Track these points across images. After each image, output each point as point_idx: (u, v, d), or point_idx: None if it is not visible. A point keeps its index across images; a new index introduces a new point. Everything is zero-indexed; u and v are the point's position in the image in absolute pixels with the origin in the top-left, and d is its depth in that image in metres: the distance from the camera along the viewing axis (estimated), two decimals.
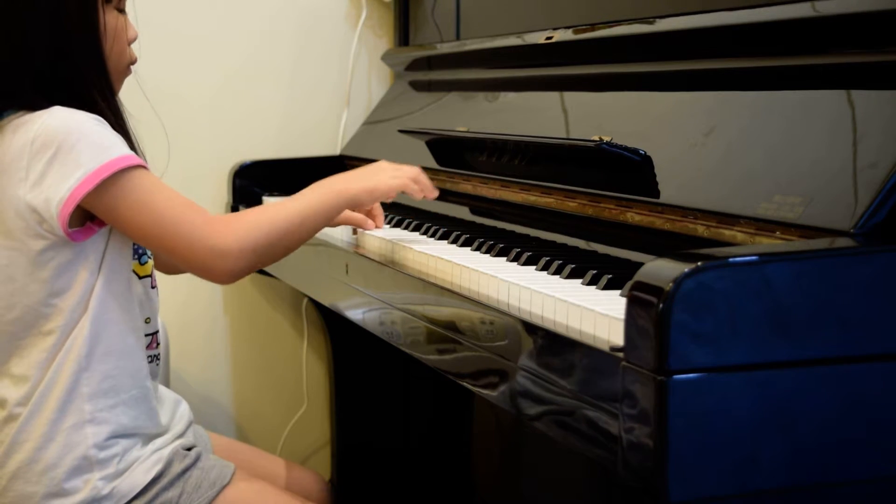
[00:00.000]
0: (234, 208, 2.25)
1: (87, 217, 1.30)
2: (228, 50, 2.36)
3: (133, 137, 1.39)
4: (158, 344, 1.43)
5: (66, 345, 1.31)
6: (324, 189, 1.42)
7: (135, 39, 1.42)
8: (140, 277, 1.38)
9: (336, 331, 2.35)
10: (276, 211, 1.38)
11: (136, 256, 1.38)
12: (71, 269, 1.31)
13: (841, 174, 1.10)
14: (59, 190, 1.26)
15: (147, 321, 1.40)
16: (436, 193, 1.52)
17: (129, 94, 1.45)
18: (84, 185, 1.25)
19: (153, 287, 1.42)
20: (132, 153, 1.30)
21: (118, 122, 1.36)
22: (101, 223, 1.32)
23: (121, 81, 1.42)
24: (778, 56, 1.31)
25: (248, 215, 1.36)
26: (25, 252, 1.30)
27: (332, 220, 1.43)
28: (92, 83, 1.34)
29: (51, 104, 1.30)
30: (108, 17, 1.36)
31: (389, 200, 1.49)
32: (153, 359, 1.41)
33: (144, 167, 1.31)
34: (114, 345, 1.33)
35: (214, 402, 2.44)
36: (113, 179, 1.27)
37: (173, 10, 2.31)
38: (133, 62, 1.43)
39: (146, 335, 1.39)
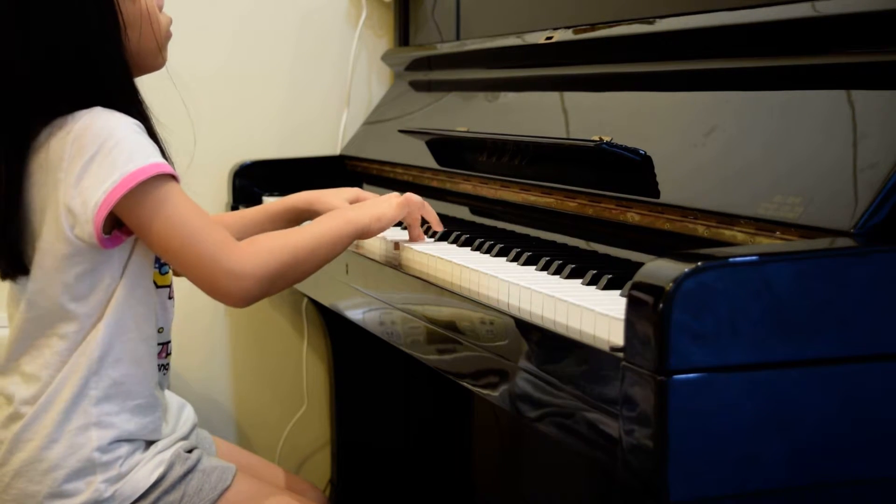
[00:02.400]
0: (234, 208, 2.25)
1: (115, 225, 1.30)
2: (228, 50, 2.36)
3: (163, 144, 1.39)
4: (169, 354, 1.43)
5: (79, 348, 1.32)
6: (334, 219, 1.43)
7: (162, 6, 1.41)
8: (158, 287, 1.38)
9: (336, 331, 2.35)
10: (290, 238, 1.37)
11: (156, 266, 1.38)
12: (94, 275, 1.31)
13: (841, 174, 1.10)
14: (95, 192, 1.25)
15: (160, 331, 1.40)
16: (440, 227, 1.56)
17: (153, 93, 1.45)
18: (120, 188, 1.25)
19: (170, 298, 1.42)
20: (167, 163, 1.30)
21: (149, 130, 1.36)
22: (129, 232, 1.32)
23: (164, 51, 1.41)
24: (778, 56, 1.31)
25: (266, 241, 1.36)
26: (53, 253, 1.30)
27: (342, 250, 1.43)
28: (119, 96, 1.34)
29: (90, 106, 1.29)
30: (131, 7, 1.34)
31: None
32: (161, 367, 1.41)
33: (177, 179, 1.30)
34: (126, 352, 1.33)
35: (214, 403, 2.44)
36: (146, 185, 1.26)
37: (173, 10, 2.31)
38: (169, 24, 1.42)
39: (158, 344, 1.40)
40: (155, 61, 1.40)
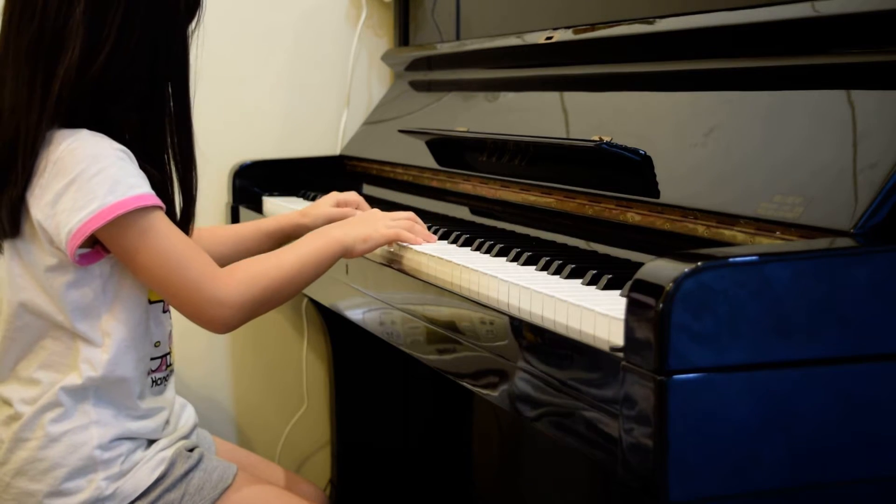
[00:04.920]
0: (234, 208, 2.25)
1: (96, 240, 1.30)
2: (228, 50, 2.35)
3: (194, 186, 1.42)
4: (169, 366, 1.43)
5: (72, 354, 1.32)
6: (320, 238, 1.42)
7: None
8: (151, 302, 1.38)
9: (336, 331, 2.35)
10: (275, 262, 1.37)
11: None
12: (79, 286, 1.31)
13: (841, 174, 1.10)
14: (70, 219, 1.26)
15: (157, 345, 1.40)
16: (434, 239, 1.52)
17: None
18: (96, 219, 1.25)
19: (165, 311, 1.42)
20: (151, 193, 1.29)
21: (186, 173, 1.40)
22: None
23: None
24: (778, 56, 1.31)
25: (250, 268, 1.36)
26: (36, 264, 1.31)
27: (327, 269, 1.42)
28: (171, 135, 1.39)
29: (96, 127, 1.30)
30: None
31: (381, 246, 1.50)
32: (161, 381, 1.41)
33: (161, 208, 1.30)
34: (118, 368, 1.33)
35: (214, 403, 2.44)
36: (126, 217, 1.26)
37: None
38: None
39: (153, 358, 1.39)
40: None
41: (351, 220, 1.50)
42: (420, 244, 1.49)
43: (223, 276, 1.32)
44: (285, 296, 1.39)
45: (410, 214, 1.53)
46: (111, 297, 1.33)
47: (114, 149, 1.29)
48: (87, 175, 1.26)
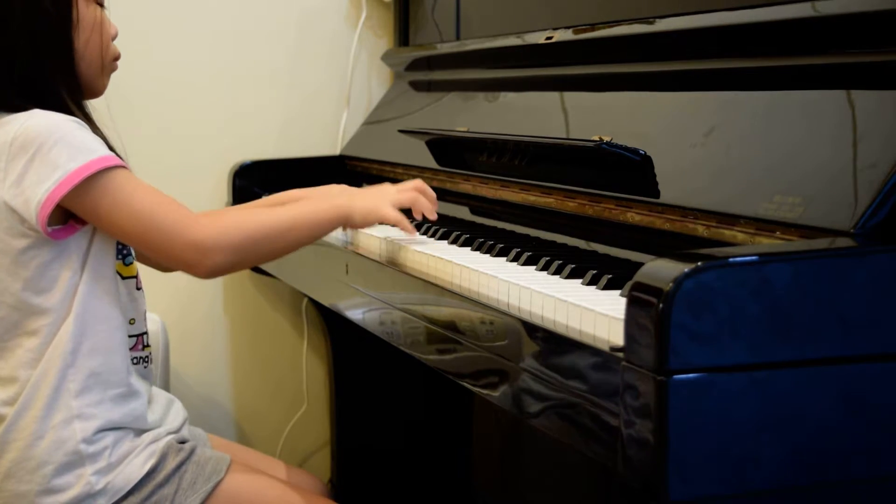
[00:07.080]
0: None
1: (68, 215, 1.31)
2: (229, 50, 2.36)
3: (109, 142, 1.38)
4: (146, 346, 1.42)
5: (51, 343, 1.31)
6: (320, 201, 1.42)
7: (115, 36, 1.42)
8: (124, 278, 1.38)
9: (336, 331, 2.35)
10: (265, 213, 1.38)
11: (119, 257, 1.38)
12: (53, 267, 1.31)
13: (841, 174, 1.10)
14: (37, 191, 1.26)
15: (132, 322, 1.39)
16: (434, 216, 1.53)
17: (135, 95, 1.44)
18: (62, 187, 1.26)
19: (138, 288, 1.42)
20: (112, 154, 1.31)
21: (89, 124, 1.36)
22: (84, 221, 1.32)
23: (106, 77, 1.41)
24: (778, 56, 1.31)
25: (232, 213, 1.38)
26: (8, 251, 1.31)
27: (323, 234, 1.43)
28: (59, 81, 1.34)
29: (31, 105, 1.30)
30: (86, 11, 1.36)
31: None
32: (141, 360, 1.41)
33: (124, 167, 1.31)
34: (98, 342, 1.33)
35: (214, 403, 2.44)
36: (92, 180, 1.27)
37: (174, 9, 2.31)
38: (116, 58, 1.42)
39: (131, 336, 1.39)
40: (94, 80, 1.40)
41: (360, 191, 1.50)
42: (414, 235, 1.50)
43: (203, 220, 1.33)
44: (272, 248, 1.38)
45: (417, 184, 1.53)
46: (88, 274, 1.33)
47: (68, 119, 1.30)
48: (47, 147, 1.27)
